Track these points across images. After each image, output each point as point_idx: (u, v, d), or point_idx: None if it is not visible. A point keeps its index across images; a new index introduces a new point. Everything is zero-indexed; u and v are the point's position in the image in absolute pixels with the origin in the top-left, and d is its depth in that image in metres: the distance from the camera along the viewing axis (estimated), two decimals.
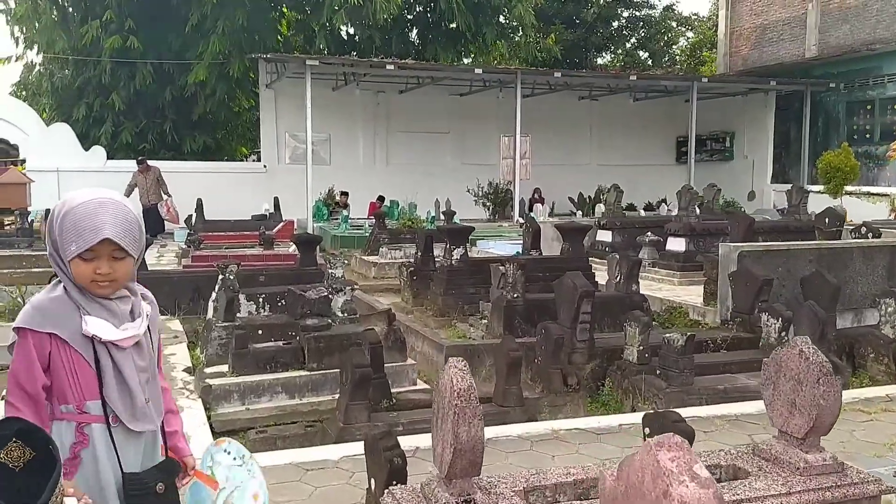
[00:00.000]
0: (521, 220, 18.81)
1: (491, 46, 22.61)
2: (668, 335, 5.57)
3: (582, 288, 5.97)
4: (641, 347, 5.77)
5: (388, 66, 17.11)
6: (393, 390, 5.40)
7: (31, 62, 23.54)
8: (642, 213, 19.89)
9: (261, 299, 7.82)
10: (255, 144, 29.03)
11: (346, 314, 6.80)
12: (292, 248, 11.71)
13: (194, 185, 18.60)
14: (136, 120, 22.41)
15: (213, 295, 7.69)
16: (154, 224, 16.70)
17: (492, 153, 23.37)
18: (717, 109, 24.19)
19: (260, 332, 6.49)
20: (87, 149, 19.74)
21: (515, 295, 6.93)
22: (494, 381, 5.12)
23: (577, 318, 6.02)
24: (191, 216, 16.59)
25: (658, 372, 5.54)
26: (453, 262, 8.17)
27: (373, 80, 21.09)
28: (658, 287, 8.51)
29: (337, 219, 18.77)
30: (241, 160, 27.74)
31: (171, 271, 9.17)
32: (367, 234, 15.06)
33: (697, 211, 11.54)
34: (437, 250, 9.40)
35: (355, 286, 6.82)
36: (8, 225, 14.76)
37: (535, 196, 22.32)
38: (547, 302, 7.04)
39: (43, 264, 8.92)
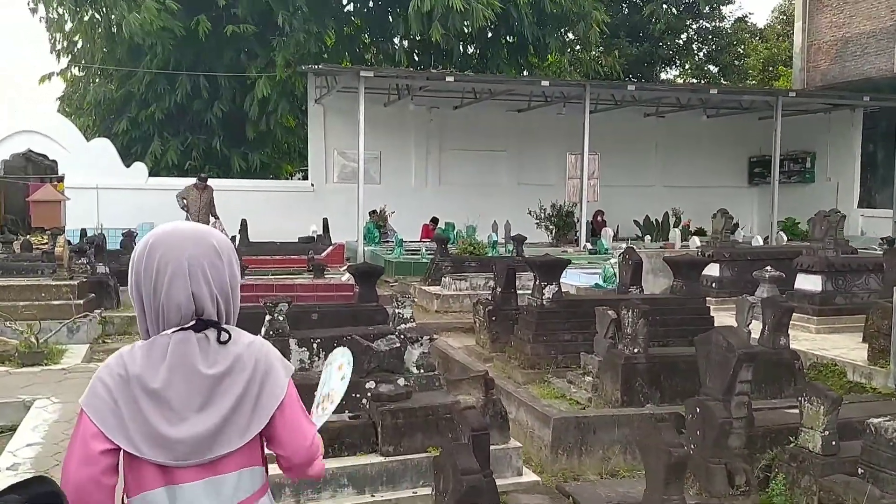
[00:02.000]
0: (589, 246, 17.35)
1: (551, 60, 21.24)
2: (875, 421, 4.06)
3: (741, 349, 4.50)
4: (827, 432, 4.27)
5: (448, 79, 15.84)
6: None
7: (73, 75, 22.87)
8: (696, 239, 18.15)
9: (315, 345, 6.50)
10: (300, 162, 28.08)
11: (422, 370, 5.42)
12: (346, 277, 10.43)
13: (238, 204, 17.56)
14: (180, 136, 21.53)
15: None
16: None
17: (550, 173, 21.96)
18: (794, 127, 22.40)
19: None
20: (128, 165, 18.85)
21: (636, 350, 5.47)
22: (642, 487, 3.68)
23: (733, 388, 4.55)
24: (234, 238, 15.48)
25: (861, 471, 4.03)
26: (544, 301, 6.75)
27: (426, 94, 19.90)
28: (792, 336, 6.98)
29: (388, 241, 17.52)
30: (287, 178, 26.76)
31: None
32: (424, 261, 13.75)
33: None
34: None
35: (434, 335, 5.44)
36: (38, 247, 13.78)
37: (598, 219, 20.79)
38: (676, 360, 5.57)
39: (63, 296, 7.74)
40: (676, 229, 18.11)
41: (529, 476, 4.42)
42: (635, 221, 21.34)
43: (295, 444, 1.78)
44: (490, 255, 13.66)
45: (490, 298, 7.69)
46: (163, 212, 16.22)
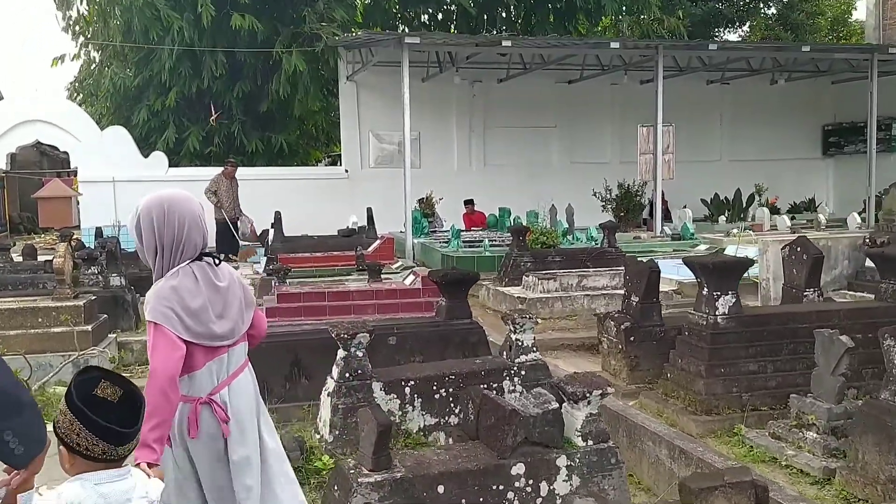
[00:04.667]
0: (668, 230, 15.38)
1: (606, 23, 19.16)
2: None
3: None
4: None
5: (505, 43, 13.83)
6: None
7: (91, 58, 21.16)
8: (786, 218, 16.02)
9: (407, 390, 4.67)
10: (329, 147, 26.25)
11: (590, 442, 3.58)
12: (410, 279, 8.60)
13: (266, 193, 15.85)
14: (200, 123, 19.76)
15: (329, 386, 4.58)
16: (231, 242, 13.85)
17: (605, 150, 20.05)
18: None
19: (441, 488, 3.32)
20: (146, 155, 17.14)
21: None
22: None
23: None
24: (266, 232, 13.73)
25: None
26: (719, 318, 4.87)
27: (469, 66, 17.97)
28: None
29: (436, 230, 15.69)
30: (314, 165, 24.92)
31: None
32: (488, 254, 11.89)
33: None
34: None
35: (607, 388, 3.59)
36: (49, 247, 12.08)
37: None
38: None
39: (63, 321, 5.95)
40: (764, 207, 16.04)
41: None
42: (703, 200, 19.30)
43: (262, 325, 2.85)
44: (563, 245, 11.79)
45: (623, 310, 5.81)
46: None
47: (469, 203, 16.85)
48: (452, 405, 4.72)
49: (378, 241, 12.48)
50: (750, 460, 4.28)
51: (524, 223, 14.50)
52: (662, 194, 18.44)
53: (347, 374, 4.53)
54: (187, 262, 2.53)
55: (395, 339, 5.77)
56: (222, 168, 14.33)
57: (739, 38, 24.60)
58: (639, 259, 6.02)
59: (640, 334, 5.58)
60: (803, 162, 21.48)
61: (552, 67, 18.21)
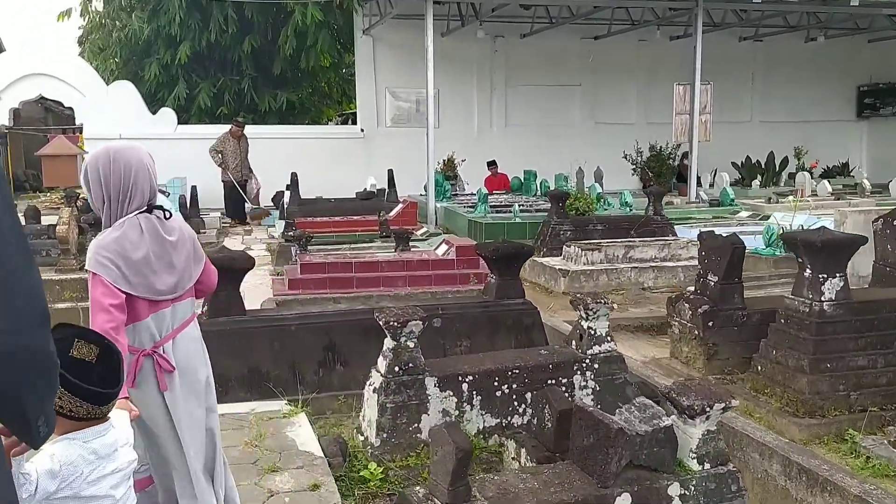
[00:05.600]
0: (704, 196, 14.63)
1: None
2: None
3: None
4: None
5: None
6: None
7: (95, 11, 20.21)
8: (827, 183, 15.22)
9: (464, 386, 4.04)
10: (342, 105, 25.38)
11: (706, 465, 2.95)
12: (442, 249, 7.93)
13: (278, 154, 15.12)
14: (211, 78, 18.92)
15: (376, 380, 3.94)
16: (239, 206, 13.20)
17: (630, 110, 19.20)
18: None
19: None
20: (154, 112, 16.39)
21: None
22: None
23: None
24: (281, 193, 13.03)
25: None
26: (825, 304, 4.21)
27: (491, 20, 17.07)
28: None
29: (457, 193, 14.98)
30: (326, 123, 24.06)
31: (279, 317, 5.26)
32: (519, 220, 11.19)
33: None
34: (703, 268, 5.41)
35: (731, 401, 2.94)
36: (56, 205, 11.41)
37: (685, 162, 17.94)
38: None
39: (67, 297, 5.33)
40: (805, 172, 15.24)
41: None
42: (733, 163, 18.47)
43: (211, 279, 2.79)
44: (598, 212, 11.08)
45: (698, 291, 5.14)
46: (195, 164, 13.83)
47: (492, 164, 16.10)
48: (516, 404, 4.09)
49: (400, 206, 11.78)
50: (870, 473, 3.66)
51: (551, 186, 13.81)
52: (687, 156, 17.69)
53: (397, 368, 3.90)
54: (135, 213, 2.49)
55: (439, 321, 5.14)
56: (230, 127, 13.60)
57: None
58: (717, 233, 5.30)
59: (719, 319, 4.91)
60: (836, 124, 20.60)
61: (579, 22, 17.31)
